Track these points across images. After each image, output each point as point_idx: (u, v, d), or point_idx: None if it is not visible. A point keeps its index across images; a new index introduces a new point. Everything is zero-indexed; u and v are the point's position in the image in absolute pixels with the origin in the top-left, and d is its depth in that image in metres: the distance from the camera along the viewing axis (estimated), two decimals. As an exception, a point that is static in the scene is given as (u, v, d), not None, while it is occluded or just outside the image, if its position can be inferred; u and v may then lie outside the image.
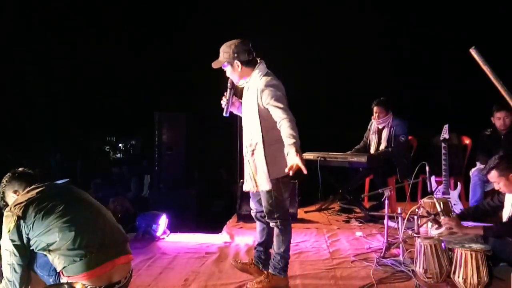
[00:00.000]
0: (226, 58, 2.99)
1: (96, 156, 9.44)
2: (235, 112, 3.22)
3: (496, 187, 3.32)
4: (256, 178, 2.99)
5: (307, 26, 6.78)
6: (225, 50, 2.99)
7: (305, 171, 2.64)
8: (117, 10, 7.27)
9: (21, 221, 2.46)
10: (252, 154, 3.00)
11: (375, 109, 5.30)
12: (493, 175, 3.27)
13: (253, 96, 2.96)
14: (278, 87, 2.91)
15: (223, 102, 3.12)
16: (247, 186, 3.10)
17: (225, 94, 3.14)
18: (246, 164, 3.08)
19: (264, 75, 2.96)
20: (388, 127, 5.23)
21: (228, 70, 3.04)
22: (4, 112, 6.60)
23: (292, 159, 2.66)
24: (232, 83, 3.12)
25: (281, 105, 2.83)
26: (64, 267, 2.43)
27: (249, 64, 2.99)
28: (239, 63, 2.97)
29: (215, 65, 3.04)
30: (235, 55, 2.95)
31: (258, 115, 2.93)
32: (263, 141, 2.92)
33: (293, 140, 2.70)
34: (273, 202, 2.97)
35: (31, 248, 2.51)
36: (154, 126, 5.91)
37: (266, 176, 2.92)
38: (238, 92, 3.19)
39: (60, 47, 7.25)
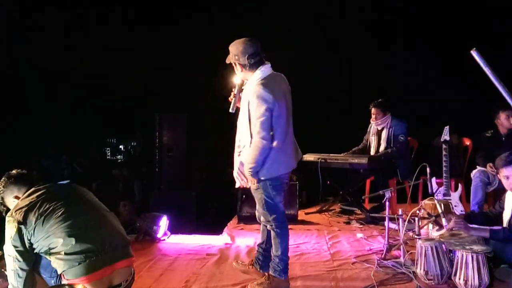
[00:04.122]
0: (230, 58, 2.99)
1: (96, 157, 9.42)
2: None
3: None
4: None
5: (308, 27, 6.79)
6: (230, 50, 2.97)
7: (241, 185, 3.06)
8: (117, 10, 7.27)
9: (22, 227, 2.45)
10: (239, 154, 3.03)
11: (372, 110, 5.32)
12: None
13: (246, 99, 2.94)
14: (267, 100, 2.82)
15: (231, 97, 3.10)
16: (237, 182, 3.12)
17: (233, 89, 3.11)
18: (236, 161, 3.09)
19: (260, 80, 2.90)
20: (387, 127, 5.24)
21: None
22: (1, 113, 6.60)
23: (247, 175, 2.92)
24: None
25: (259, 123, 2.82)
26: (64, 270, 2.43)
27: (251, 67, 2.92)
28: (238, 66, 2.96)
29: (227, 60, 3.05)
30: (236, 57, 2.93)
31: (248, 118, 2.91)
32: (250, 144, 2.91)
33: (254, 165, 2.87)
34: (265, 205, 3.00)
35: (34, 252, 2.50)
36: (154, 127, 5.91)
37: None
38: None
39: (59, 47, 7.24)
